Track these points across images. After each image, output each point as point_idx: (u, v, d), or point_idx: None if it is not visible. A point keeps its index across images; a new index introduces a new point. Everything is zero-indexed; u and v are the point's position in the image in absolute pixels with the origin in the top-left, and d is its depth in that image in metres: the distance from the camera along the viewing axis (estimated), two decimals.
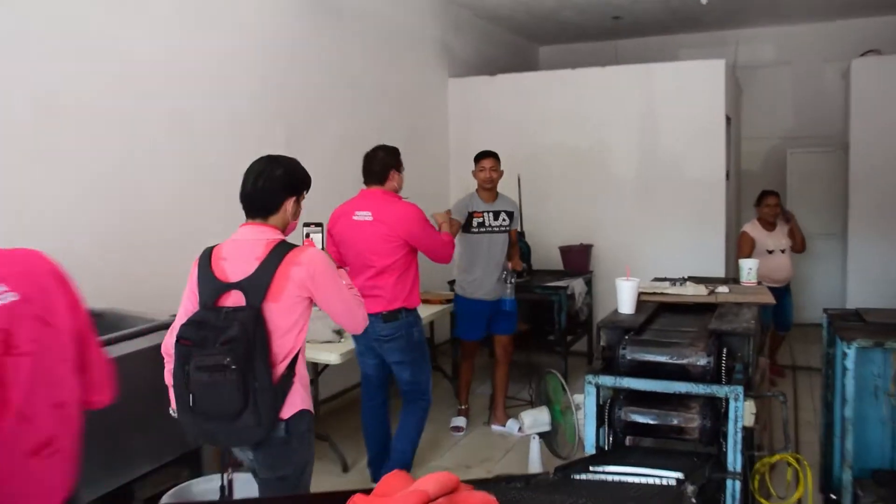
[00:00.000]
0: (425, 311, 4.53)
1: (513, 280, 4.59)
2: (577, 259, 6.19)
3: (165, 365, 2.41)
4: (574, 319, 5.79)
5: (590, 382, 2.77)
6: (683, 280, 3.96)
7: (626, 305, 3.31)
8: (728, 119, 5.76)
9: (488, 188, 4.61)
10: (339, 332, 4.00)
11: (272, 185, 2.48)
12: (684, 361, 2.69)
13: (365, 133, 5.11)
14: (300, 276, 2.37)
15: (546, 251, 6.06)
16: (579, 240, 6.34)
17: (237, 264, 2.38)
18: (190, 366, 2.24)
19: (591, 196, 6.33)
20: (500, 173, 4.65)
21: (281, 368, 2.31)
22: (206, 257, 2.43)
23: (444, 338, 5.78)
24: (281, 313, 2.33)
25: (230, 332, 2.23)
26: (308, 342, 3.65)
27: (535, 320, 5.91)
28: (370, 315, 3.39)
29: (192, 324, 2.29)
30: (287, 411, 2.36)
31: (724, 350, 2.68)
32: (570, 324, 5.71)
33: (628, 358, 2.78)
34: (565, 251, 6.16)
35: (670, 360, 2.72)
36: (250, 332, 2.24)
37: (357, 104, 5.15)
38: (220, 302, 2.32)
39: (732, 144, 6.15)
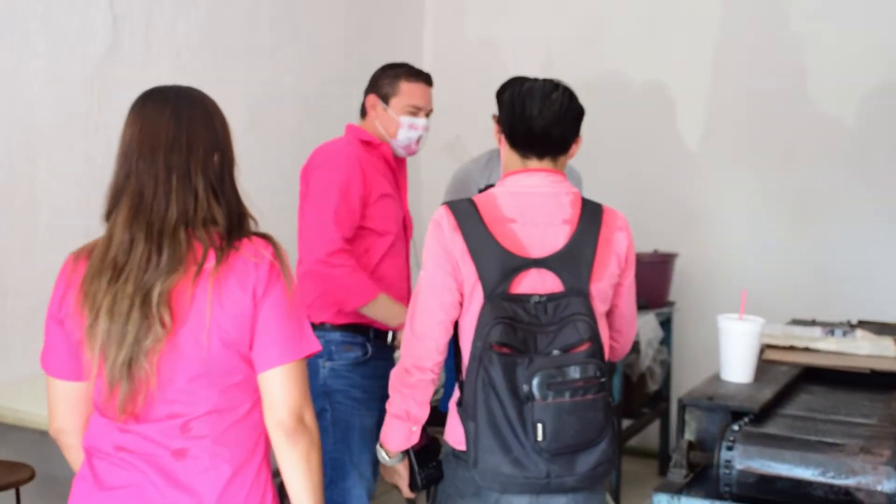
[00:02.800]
0: None
1: None
2: (647, 278, 4.76)
3: (405, 388, 2.24)
4: (637, 389, 4.78)
5: None
6: (850, 326, 3.36)
7: (738, 368, 2.73)
8: None
9: None
10: None
11: (570, 115, 2.29)
12: (851, 482, 2.20)
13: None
14: (624, 245, 2.28)
15: None
16: (651, 243, 5.21)
17: (536, 228, 2.21)
18: (531, 384, 2.08)
19: (672, 161, 5.32)
20: None
21: None
22: (472, 217, 2.21)
23: None
24: (601, 299, 2.25)
25: (577, 331, 2.13)
26: None
27: None
28: None
29: (504, 322, 2.12)
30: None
31: None
32: (630, 397, 4.74)
33: (737, 468, 2.32)
34: None
35: (822, 479, 2.21)
36: (596, 330, 2.16)
37: None
38: (514, 286, 2.18)
39: None
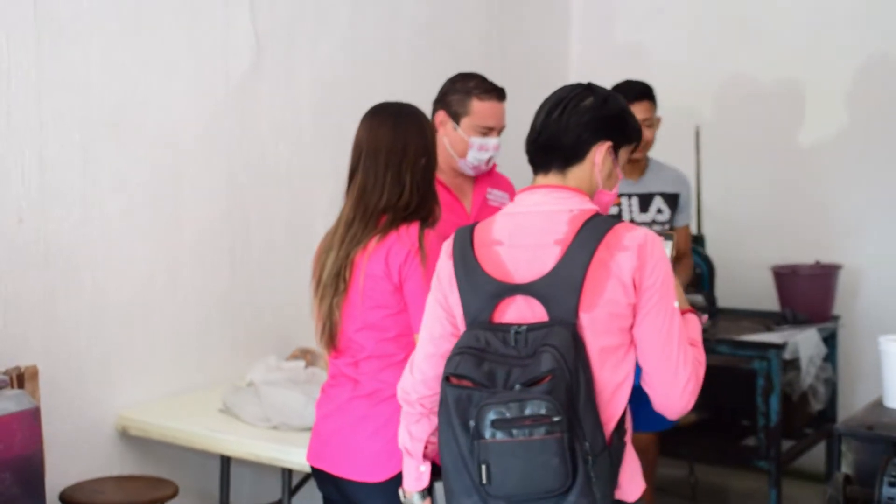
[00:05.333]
0: None
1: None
2: (809, 292, 4.73)
3: (403, 419, 2.22)
4: (798, 409, 4.57)
5: None
6: None
7: None
8: None
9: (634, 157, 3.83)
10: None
11: (576, 119, 2.07)
12: None
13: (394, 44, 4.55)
14: (629, 268, 1.97)
15: (742, 273, 4.91)
16: (814, 254, 5.01)
17: (524, 251, 2.03)
18: (479, 421, 1.91)
19: (831, 167, 5.09)
20: (657, 123, 3.87)
21: (612, 424, 2.00)
22: (465, 242, 2.10)
23: None
24: (598, 331, 1.99)
25: (540, 364, 1.91)
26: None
27: (717, 406, 4.69)
28: None
29: (468, 353, 1.97)
30: (630, 492, 2.05)
31: None
32: (791, 417, 4.52)
33: None
34: (783, 275, 4.83)
35: None
36: (571, 363, 1.90)
37: None
38: (499, 315, 2.02)
39: None
